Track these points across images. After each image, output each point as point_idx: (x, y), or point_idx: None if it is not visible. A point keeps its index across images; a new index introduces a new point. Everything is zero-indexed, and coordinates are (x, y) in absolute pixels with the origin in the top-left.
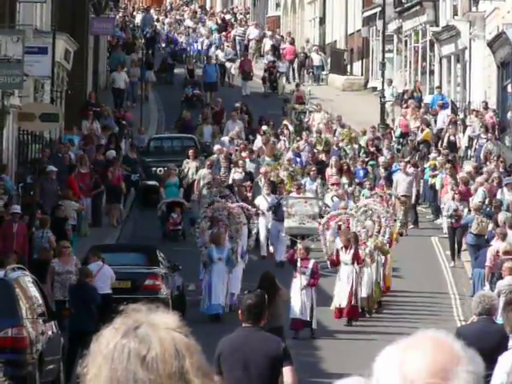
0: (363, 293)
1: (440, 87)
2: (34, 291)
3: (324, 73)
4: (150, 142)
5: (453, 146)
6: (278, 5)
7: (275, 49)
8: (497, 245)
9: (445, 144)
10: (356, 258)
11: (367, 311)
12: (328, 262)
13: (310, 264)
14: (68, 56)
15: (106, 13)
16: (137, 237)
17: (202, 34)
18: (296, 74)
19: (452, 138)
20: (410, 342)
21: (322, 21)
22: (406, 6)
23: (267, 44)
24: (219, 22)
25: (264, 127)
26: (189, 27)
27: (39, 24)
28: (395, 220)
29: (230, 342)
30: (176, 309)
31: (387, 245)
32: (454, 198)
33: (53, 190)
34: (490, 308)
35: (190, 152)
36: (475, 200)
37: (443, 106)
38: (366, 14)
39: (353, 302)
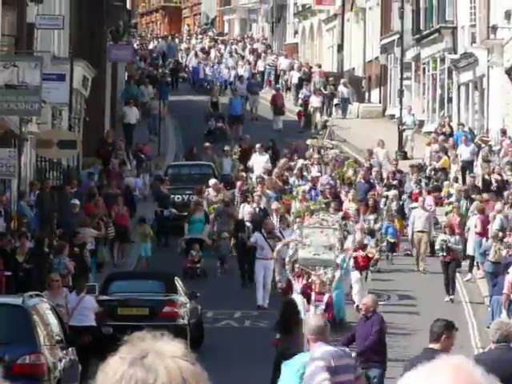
0: None
1: (463, 124)
2: (51, 318)
3: (350, 106)
4: (167, 169)
5: (488, 185)
6: (296, 32)
7: (302, 81)
8: None
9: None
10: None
11: None
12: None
13: (325, 298)
14: (86, 83)
15: (124, 40)
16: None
17: (229, 66)
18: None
19: (487, 177)
20: (430, 368)
21: (340, 48)
22: (424, 33)
23: (294, 76)
24: (243, 52)
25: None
26: (216, 58)
27: (57, 51)
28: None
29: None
30: (194, 336)
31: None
32: (445, 232)
33: (74, 222)
34: (507, 335)
35: (203, 188)
36: (493, 227)
37: (467, 141)
38: (384, 41)
39: None
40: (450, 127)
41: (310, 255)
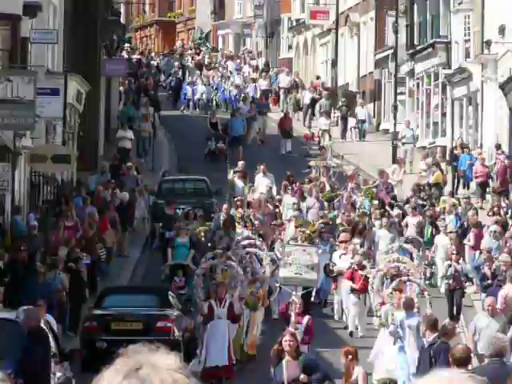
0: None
1: (468, 147)
2: None
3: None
4: (161, 184)
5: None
6: (290, 47)
7: (315, 101)
8: (507, 288)
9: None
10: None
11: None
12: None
13: (305, 320)
14: (80, 97)
15: (119, 54)
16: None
17: (239, 85)
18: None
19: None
20: (425, 382)
21: (334, 63)
22: (418, 48)
23: (306, 97)
24: (247, 69)
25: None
26: (219, 77)
27: (51, 65)
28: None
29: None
30: (187, 350)
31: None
32: (451, 259)
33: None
34: (501, 350)
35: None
36: (485, 242)
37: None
38: (379, 56)
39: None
40: (462, 149)
41: (291, 274)
